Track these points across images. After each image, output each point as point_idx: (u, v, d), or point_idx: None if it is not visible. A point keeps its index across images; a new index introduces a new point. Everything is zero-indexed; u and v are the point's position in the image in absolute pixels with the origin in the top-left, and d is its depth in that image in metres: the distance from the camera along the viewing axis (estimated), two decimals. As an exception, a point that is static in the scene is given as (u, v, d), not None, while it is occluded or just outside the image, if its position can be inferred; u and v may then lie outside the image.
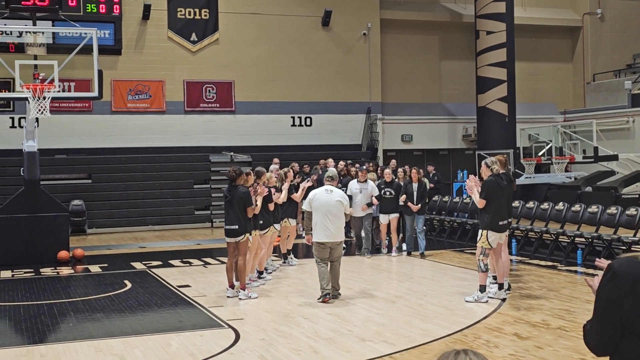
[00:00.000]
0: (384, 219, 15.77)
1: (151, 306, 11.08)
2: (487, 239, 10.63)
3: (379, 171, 17.89)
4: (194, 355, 8.06)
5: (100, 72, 15.59)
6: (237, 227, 11.23)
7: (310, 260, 15.57)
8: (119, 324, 9.91)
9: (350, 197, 14.50)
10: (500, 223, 10.71)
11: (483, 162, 11.04)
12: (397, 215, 15.71)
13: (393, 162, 19.23)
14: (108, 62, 23.58)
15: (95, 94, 15.57)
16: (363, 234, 15.99)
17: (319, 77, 26.73)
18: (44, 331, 9.56)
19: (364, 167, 16.53)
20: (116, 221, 23.05)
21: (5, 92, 17.44)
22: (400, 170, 16.53)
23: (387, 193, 15.63)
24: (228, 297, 11.33)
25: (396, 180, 15.94)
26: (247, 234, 11.34)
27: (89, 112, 24.25)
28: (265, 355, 8.02)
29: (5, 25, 17.77)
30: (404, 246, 16.22)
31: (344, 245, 12.25)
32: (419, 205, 15.49)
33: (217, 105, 25.72)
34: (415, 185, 15.54)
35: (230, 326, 9.44)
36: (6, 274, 14.59)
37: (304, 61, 26.62)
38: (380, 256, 15.90)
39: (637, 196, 21.62)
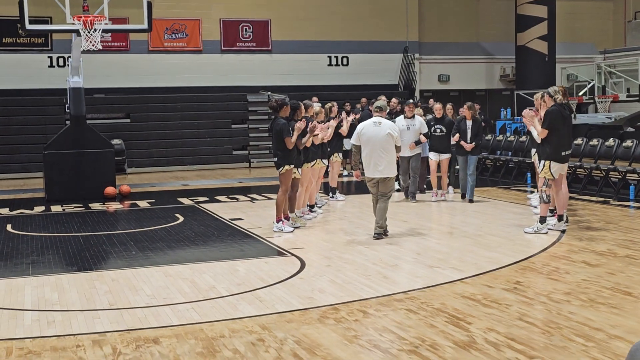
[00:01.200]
0: (434, 157, 14.33)
1: (209, 236, 11.11)
2: (550, 170, 10.49)
3: (430, 104, 16.79)
4: (264, 279, 8.07)
5: (149, 4, 15.42)
6: (276, 159, 11.11)
7: (355, 195, 15.63)
8: (182, 252, 9.96)
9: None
10: (563, 153, 10.55)
11: (545, 92, 10.84)
12: (448, 155, 14.31)
13: (431, 101, 18.64)
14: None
15: (144, 26, 15.41)
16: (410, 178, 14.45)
17: (355, 16, 26.36)
18: (108, 258, 9.63)
19: (411, 100, 15.13)
20: (155, 161, 23.11)
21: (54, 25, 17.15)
22: (449, 105, 14.81)
23: (438, 130, 14.20)
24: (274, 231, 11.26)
25: (447, 116, 14.48)
26: (287, 166, 10.97)
27: (126, 51, 24.17)
28: (336, 280, 8.02)
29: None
30: (451, 190, 14.86)
31: (396, 185, 12.27)
32: (473, 143, 13.83)
33: (254, 44, 25.51)
34: (469, 123, 13.90)
35: (293, 254, 9.45)
36: (56, 208, 14.70)
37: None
38: (427, 202, 14.30)
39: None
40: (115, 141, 22.14)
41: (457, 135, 13.93)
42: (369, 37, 26.54)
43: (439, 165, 14.51)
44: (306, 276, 8.24)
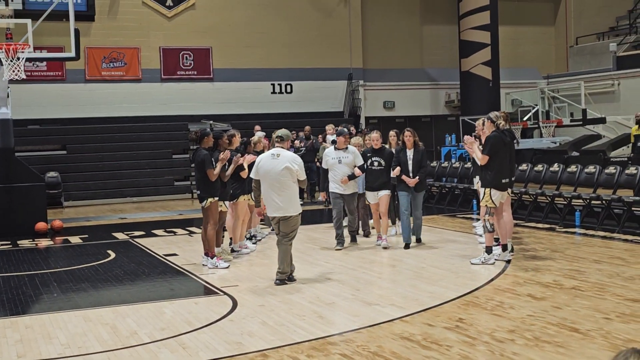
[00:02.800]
0: (371, 197, 12.10)
1: (139, 275, 10.50)
2: (491, 198, 10.16)
3: (364, 137, 14.98)
4: (191, 323, 7.51)
5: (77, 31, 14.86)
6: (198, 192, 10.62)
7: (311, 225, 15.02)
8: (107, 293, 9.33)
9: (325, 170, 12.19)
10: (504, 181, 10.24)
11: (486, 117, 10.56)
12: (387, 192, 11.99)
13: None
14: (81, 28, 22.29)
15: (72, 54, 14.81)
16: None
17: (299, 43, 26.07)
18: (27, 302, 8.96)
19: (345, 130, 12.48)
20: (93, 193, 22.34)
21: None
22: (392, 133, 12.75)
23: (376, 163, 11.94)
24: (203, 265, 10.71)
25: (386, 146, 12.38)
26: (210, 199, 10.42)
27: (63, 81, 23.44)
28: (268, 321, 7.50)
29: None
30: (395, 230, 13.12)
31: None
32: (417, 177, 11.70)
33: (195, 72, 24.99)
34: (410, 153, 11.72)
35: (225, 293, 8.91)
36: (-19, 246, 13.91)
37: (283, 26, 25.93)
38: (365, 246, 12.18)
39: (625, 159, 21.31)
40: (51, 174, 21.41)
41: (398, 168, 11.71)
42: (313, 65, 26.24)
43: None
44: (237, 318, 7.70)
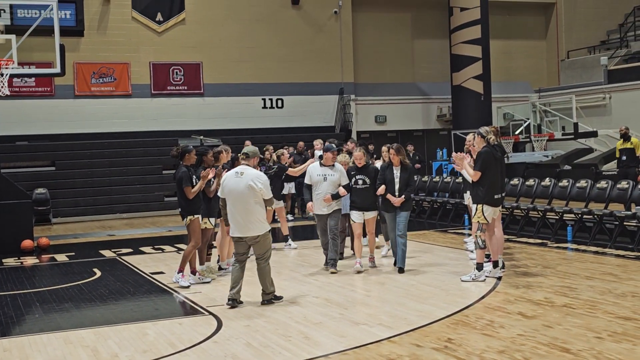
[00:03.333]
0: (357, 217, 11.23)
1: (124, 294, 10.31)
2: (483, 214, 10.02)
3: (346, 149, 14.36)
4: (174, 345, 7.34)
5: (62, 47, 14.69)
6: (179, 209, 10.47)
7: (302, 242, 14.82)
8: (90, 313, 9.13)
9: (309, 186, 11.38)
10: (496, 196, 10.11)
11: (476, 132, 10.43)
12: (374, 213, 11.35)
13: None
14: (70, 44, 22.52)
15: (57, 70, 14.65)
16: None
17: (289, 58, 25.95)
18: (7, 323, 8.75)
19: (334, 146, 11.61)
20: (82, 210, 22.12)
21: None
22: (384, 148, 11.74)
23: (360, 182, 11.15)
24: (190, 283, 10.53)
25: (371, 164, 11.63)
26: (190, 217, 10.27)
27: (51, 97, 23.24)
28: (253, 342, 7.32)
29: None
30: (385, 250, 12.68)
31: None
32: (403, 197, 10.92)
33: (185, 87, 24.84)
34: (397, 171, 11.00)
35: (210, 313, 8.74)
36: (-34, 265, 13.69)
37: (274, 41, 25.82)
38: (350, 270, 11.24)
39: (615, 173, 21.22)
40: (40, 190, 21.21)
41: (383, 187, 10.96)
42: (304, 79, 26.13)
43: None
44: (220, 339, 7.53)
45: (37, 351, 7.33)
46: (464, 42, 25.48)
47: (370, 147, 17.37)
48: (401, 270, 10.92)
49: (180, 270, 10.50)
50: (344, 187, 11.23)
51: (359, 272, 11.06)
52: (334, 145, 11.56)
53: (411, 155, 21.63)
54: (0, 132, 21.92)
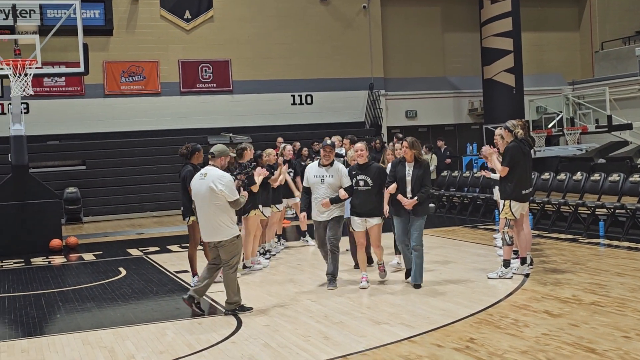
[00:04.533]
0: (357, 224, 9.70)
1: (146, 294, 10.27)
2: (511, 210, 9.79)
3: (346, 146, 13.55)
4: (192, 346, 7.25)
5: (85, 46, 14.71)
6: (182, 208, 10.29)
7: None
8: (111, 313, 9.09)
9: (307, 189, 9.96)
10: (524, 192, 9.87)
11: (503, 127, 10.18)
12: (378, 220, 9.67)
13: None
14: (99, 43, 22.77)
15: (81, 69, 14.68)
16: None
17: (318, 54, 25.83)
18: (29, 324, 8.74)
19: (328, 141, 10.04)
20: (113, 208, 22.22)
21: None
22: (396, 146, 10.23)
23: (361, 182, 9.58)
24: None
25: (373, 162, 9.94)
26: (192, 217, 9.93)
27: (82, 96, 23.41)
28: (271, 342, 7.21)
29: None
30: (397, 260, 10.86)
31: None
32: (415, 198, 9.32)
33: (214, 85, 24.85)
34: (409, 167, 9.44)
35: (230, 312, 8.62)
36: (-5, 264, 13.80)
37: (303, 37, 25.71)
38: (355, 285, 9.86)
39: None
40: (71, 189, 21.34)
41: (394, 185, 9.47)
42: (333, 75, 25.99)
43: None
44: (239, 339, 7.42)
45: (54, 352, 7.30)
46: (495, 34, 25.16)
47: (376, 143, 17.06)
48: (417, 287, 9.47)
49: (194, 274, 10.40)
50: (345, 189, 9.64)
51: (364, 288, 9.59)
52: (328, 140, 10.04)
53: (442, 150, 21.39)
54: (32, 131, 21.97)
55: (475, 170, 19.24)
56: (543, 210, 15.25)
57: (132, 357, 6.96)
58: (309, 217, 10.09)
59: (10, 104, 21.12)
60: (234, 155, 9.37)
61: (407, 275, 9.83)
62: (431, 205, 16.90)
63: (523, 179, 9.92)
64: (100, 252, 14.77)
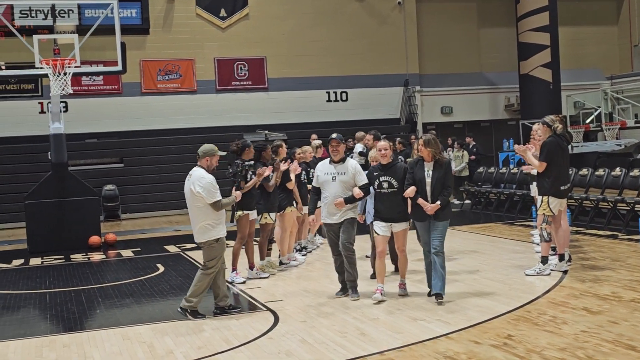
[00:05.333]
0: (381, 229, 8.79)
1: (184, 290, 10.27)
2: (549, 206, 9.71)
3: (365, 141, 13.11)
4: (229, 341, 7.31)
5: (123, 45, 14.90)
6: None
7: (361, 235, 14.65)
8: (149, 309, 9.22)
9: (317, 190, 9.18)
10: (562, 188, 9.78)
11: (541, 122, 10.09)
12: (404, 225, 8.84)
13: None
14: (136, 42, 22.95)
15: (118, 68, 14.85)
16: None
17: (353, 50, 25.79)
18: (69, 319, 8.89)
19: (334, 135, 9.10)
20: (150, 205, 22.43)
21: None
22: (421, 141, 8.77)
23: (385, 184, 8.71)
24: (248, 278, 10.53)
25: (400, 160, 9.41)
26: (239, 212, 10.04)
27: (119, 95, 23.65)
28: (308, 338, 7.24)
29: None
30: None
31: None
32: (438, 202, 8.48)
33: (249, 82, 24.94)
34: (428, 168, 8.57)
35: (268, 308, 8.69)
36: (35, 261, 14.02)
37: (337, 34, 25.69)
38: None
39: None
40: (108, 187, 21.59)
41: (413, 188, 8.56)
42: (368, 72, 25.94)
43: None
44: (276, 335, 7.47)
45: (95, 347, 7.41)
46: (531, 29, 24.93)
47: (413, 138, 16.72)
48: (439, 297, 8.46)
49: (234, 269, 10.47)
50: (360, 187, 8.84)
51: (380, 302, 8.64)
52: (334, 134, 9.12)
53: (470, 146, 21.29)
54: (71, 129, 22.21)
55: (512, 166, 19.07)
56: (581, 207, 15.09)
57: (171, 353, 7.04)
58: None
59: (49, 102, 21.53)
60: (224, 154, 9.09)
61: (438, 299, 8.49)
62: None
63: (561, 174, 9.83)
64: (139, 249, 14.94)
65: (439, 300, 8.40)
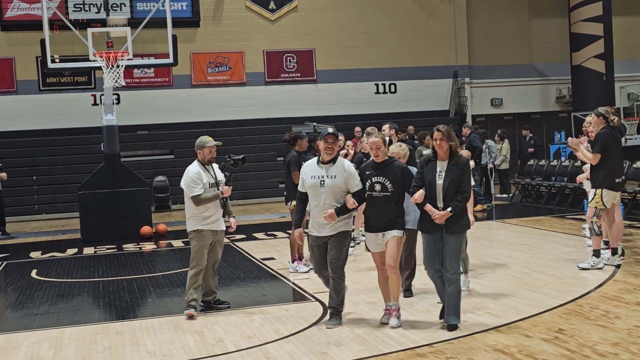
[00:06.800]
0: (372, 243, 7.39)
1: (233, 280, 10.50)
2: (602, 199, 9.56)
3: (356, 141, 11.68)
4: (279, 331, 7.37)
5: (174, 38, 15.05)
6: (285, 193, 10.46)
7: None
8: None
9: (303, 195, 7.63)
10: (617, 180, 9.62)
11: (595, 113, 9.93)
12: (398, 233, 7.25)
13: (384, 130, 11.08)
14: (186, 34, 23.15)
15: (170, 60, 15.02)
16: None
17: (402, 42, 25.67)
18: (122, 307, 9.06)
19: (329, 129, 7.57)
20: (200, 196, 22.59)
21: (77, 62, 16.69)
22: (436, 135, 7.10)
23: (377, 187, 7.25)
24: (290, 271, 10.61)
25: (394, 159, 7.44)
26: (294, 201, 9.75)
27: (170, 87, 23.93)
28: (357, 330, 7.26)
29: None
30: (466, 283, 8.67)
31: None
32: (449, 209, 6.95)
33: (298, 74, 25.01)
34: (442, 167, 7.07)
35: (317, 299, 8.73)
36: (88, 250, 14.30)
37: (386, 26, 25.59)
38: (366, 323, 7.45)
39: None
40: (159, 178, 21.87)
41: (421, 192, 7.07)
42: (417, 63, 25.80)
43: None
44: (324, 325, 7.50)
45: (147, 335, 7.53)
46: (584, 20, 24.50)
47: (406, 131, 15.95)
48: (452, 328, 7.03)
49: (294, 259, 10.55)
50: (354, 194, 7.34)
51: (394, 327, 7.26)
52: (330, 129, 7.58)
53: (526, 139, 21.04)
54: (123, 121, 22.61)
55: (563, 158, 18.83)
56: (635, 200, 14.83)
57: (221, 341, 7.13)
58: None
59: (102, 95, 21.86)
60: (219, 143, 8.99)
61: (451, 329, 7.09)
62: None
63: (616, 166, 9.68)
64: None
65: (452, 328, 7.04)
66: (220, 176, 8.85)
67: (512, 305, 7.96)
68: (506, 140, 20.24)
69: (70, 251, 14.30)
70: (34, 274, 11.82)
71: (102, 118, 16.01)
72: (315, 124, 23.06)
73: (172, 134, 23.45)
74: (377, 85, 25.71)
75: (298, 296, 9.11)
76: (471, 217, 7.87)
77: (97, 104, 22.88)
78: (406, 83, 25.76)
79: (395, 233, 7.23)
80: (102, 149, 16.22)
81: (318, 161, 7.46)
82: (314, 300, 8.73)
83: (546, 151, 23.66)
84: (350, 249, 11.84)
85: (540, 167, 18.74)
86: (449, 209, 6.94)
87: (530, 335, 6.76)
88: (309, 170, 7.49)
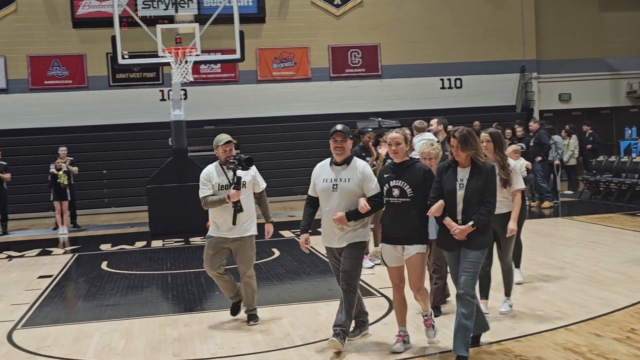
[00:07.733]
0: (389, 256, 6.59)
1: (299, 274, 10.57)
2: (674, 196, 9.32)
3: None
4: (345, 326, 7.38)
5: (241, 33, 15.23)
6: None
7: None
8: (266, 292, 9.41)
9: (313, 199, 7.00)
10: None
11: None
12: (421, 247, 6.45)
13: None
14: (252, 30, 23.34)
15: (237, 56, 15.18)
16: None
17: (468, 36, 25.41)
18: (190, 300, 9.23)
19: (339, 126, 6.77)
20: (265, 191, 22.77)
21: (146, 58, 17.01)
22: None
23: (395, 191, 6.44)
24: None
25: (416, 160, 6.76)
26: None
27: (236, 82, 24.19)
28: (423, 327, 7.22)
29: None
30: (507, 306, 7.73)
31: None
32: (470, 223, 6.11)
33: (363, 70, 25.00)
34: (463, 175, 6.24)
35: (383, 295, 8.74)
36: (157, 243, 14.57)
37: (452, 20, 25.37)
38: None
39: None
40: (226, 172, 22.07)
41: (440, 203, 6.25)
42: (483, 58, 25.49)
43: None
44: (391, 321, 7.49)
45: (215, 328, 7.66)
46: (657, 12, 23.87)
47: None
48: None
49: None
50: (369, 199, 6.57)
51: (396, 352, 6.50)
52: (338, 126, 6.75)
53: (586, 135, 20.66)
54: (190, 116, 22.95)
55: (634, 155, 18.40)
56: None
57: (288, 335, 7.20)
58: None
59: (170, 90, 22.22)
60: (234, 141, 8.47)
61: (476, 340, 6.53)
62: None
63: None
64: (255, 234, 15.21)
65: None
66: (245, 177, 8.10)
67: (581, 303, 7.83)
68: (574, 136, 19.92)
69: (139, 244, 14.60)
70: (104, 265, 12.11)
71: (170, 113, 16.28)
72: (380, 119, 23.01)
73: (238, 129, 23.62)
74: (442, 80, 25.52)
75: (363, 291, 9.05)
76: (512, 225, 7.46)
77: (165, 100, 23.26)
78: (472, 78, 25.50)
79: (418, 249, 6.41)
80: (170, 143, 16.49)
81: (331, 162, 6.75)
82: (379, 295, 8.74)
83: (616, 147, 23.13)
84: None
85: (610, 163, 18.35)
86: (471, 222, 6.10)
87: (601, 334, 6.64)
88: (321, 173, 6.78)
